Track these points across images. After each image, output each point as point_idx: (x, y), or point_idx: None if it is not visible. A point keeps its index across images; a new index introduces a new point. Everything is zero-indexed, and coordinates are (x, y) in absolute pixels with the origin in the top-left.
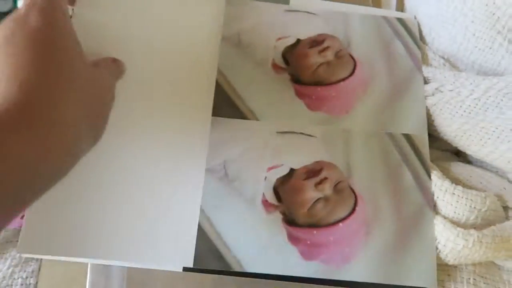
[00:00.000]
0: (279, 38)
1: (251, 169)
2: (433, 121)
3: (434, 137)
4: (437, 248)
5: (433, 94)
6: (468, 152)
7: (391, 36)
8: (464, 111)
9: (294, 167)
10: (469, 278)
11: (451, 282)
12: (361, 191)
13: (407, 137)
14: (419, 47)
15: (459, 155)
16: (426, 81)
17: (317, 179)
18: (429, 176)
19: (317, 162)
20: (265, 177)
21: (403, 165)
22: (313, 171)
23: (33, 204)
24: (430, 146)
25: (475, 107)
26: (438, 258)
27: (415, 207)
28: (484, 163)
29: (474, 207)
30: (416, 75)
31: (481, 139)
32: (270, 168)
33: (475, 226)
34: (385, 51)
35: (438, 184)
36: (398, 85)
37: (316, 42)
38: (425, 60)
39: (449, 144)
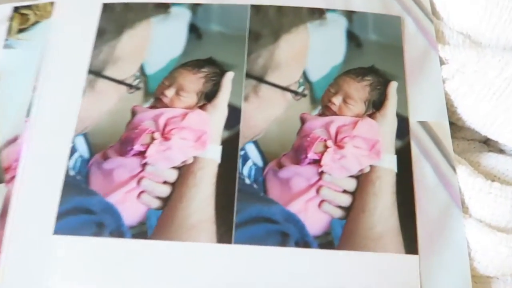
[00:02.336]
0: None
1: None
2: (455, 108)
3: (457, 126)
4: (473, 258)
5: (453, 77)
6: (501, 141)
7: (400, 13)
8: (494, 94)
9: None
10: None
11: None
12: None
13: (425, 125)
14: (432, 22)
15: (489, 144)
16: (443, 62)
17: None
18: (454, 169)
19: None
20: None
21: (422, 158)
22: None
23: None
24: (454, 137)
25: (506, 89)
26: (475, 269)
27: (439, 208)
28: None
29: None
30: (430, 54)
31: None
32: None
33: None
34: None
35: (469, 182)
36: (411, 67)
37: None
38: (440, 38)
39: (477, 132)
